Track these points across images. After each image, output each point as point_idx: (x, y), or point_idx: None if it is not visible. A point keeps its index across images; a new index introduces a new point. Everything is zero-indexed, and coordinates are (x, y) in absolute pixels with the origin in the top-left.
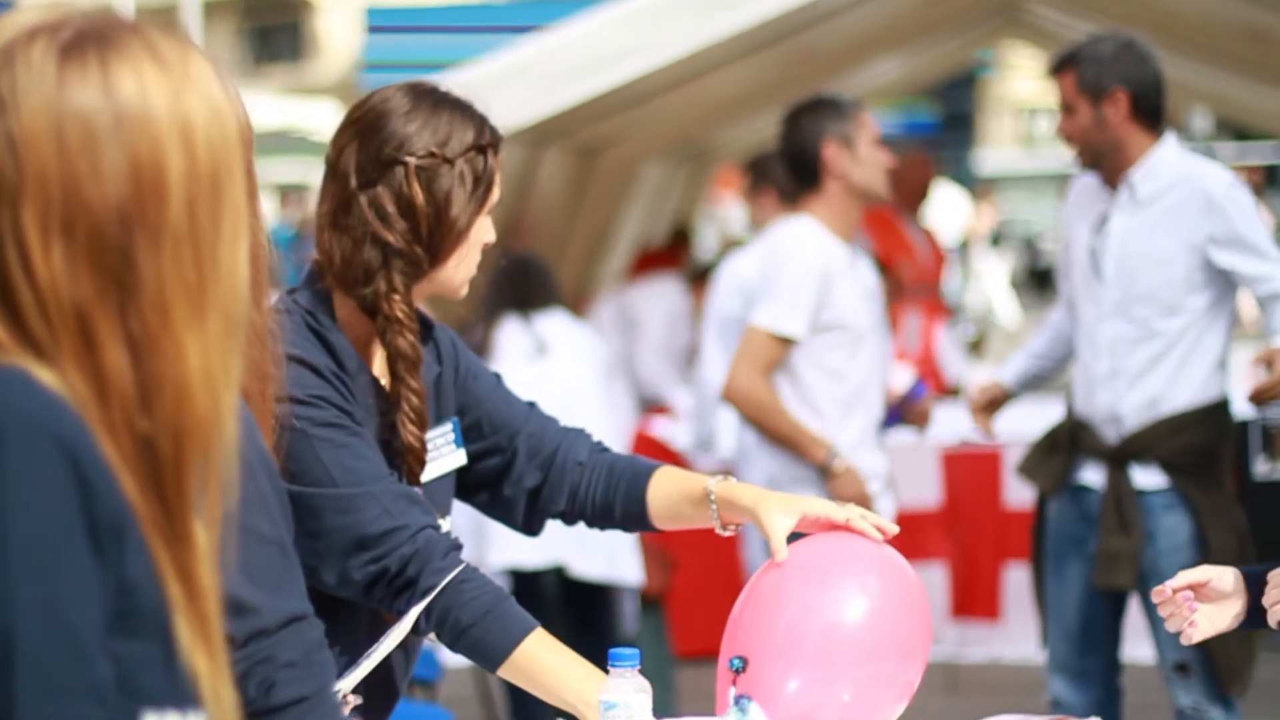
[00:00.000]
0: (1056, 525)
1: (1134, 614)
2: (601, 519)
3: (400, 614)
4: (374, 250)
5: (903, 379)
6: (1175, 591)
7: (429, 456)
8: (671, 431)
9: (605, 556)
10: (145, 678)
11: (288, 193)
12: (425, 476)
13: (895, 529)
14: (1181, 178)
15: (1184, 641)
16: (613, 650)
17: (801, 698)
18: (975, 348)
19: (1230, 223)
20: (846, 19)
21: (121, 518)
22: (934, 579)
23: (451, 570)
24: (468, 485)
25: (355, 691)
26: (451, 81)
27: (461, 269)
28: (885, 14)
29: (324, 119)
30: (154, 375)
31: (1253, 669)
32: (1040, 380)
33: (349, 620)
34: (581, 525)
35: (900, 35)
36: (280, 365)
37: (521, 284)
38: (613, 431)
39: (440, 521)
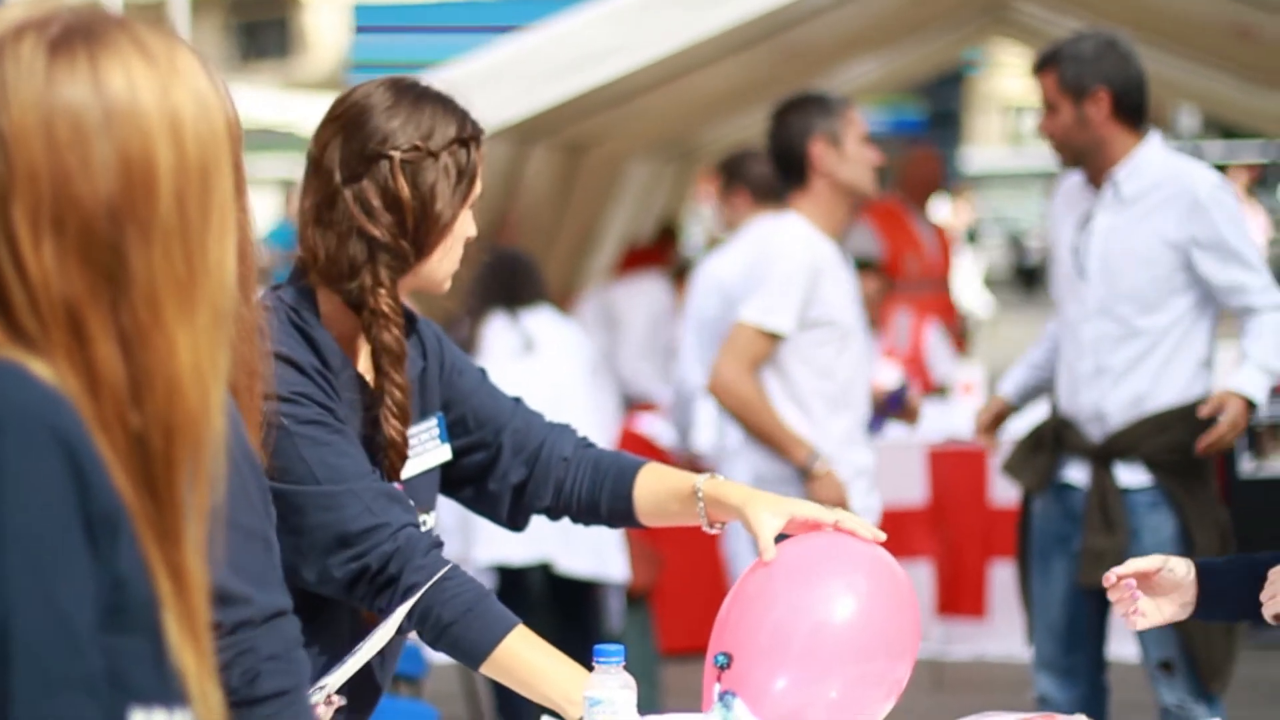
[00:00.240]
0: (1041, 523)
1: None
2: (587, 515)
3: (381, 613)
4: (359, 245)
5: (889, 377)
6: (1120, 579)
7: (413, 452)
8: (657, 428)
9: (591, 553)
10: (134, 674)
11: (293, 189)
12: (409, 472)
13: (883, 536)
14: (1166, 177)
15: (1129, 628)
16: (598, 646)
17: (788, 696)
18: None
19: (1214, 226)
20: (833, 17)
21: (115, 512)
22: (920, 577)
23: (433, 568)
24: (452, 480)
25: (339, 692)
26: (435, 78)
27: (445, 263)
28: (872, 12)
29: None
30: (145, 370)
31: (1233, 666)
32: (1040, 391)
33: (331, 620)
34: (567, 521)
35: (887, 33)
36: (268, 361)
37: (508, 281)
38: (599, 428)
39: (425, 518)
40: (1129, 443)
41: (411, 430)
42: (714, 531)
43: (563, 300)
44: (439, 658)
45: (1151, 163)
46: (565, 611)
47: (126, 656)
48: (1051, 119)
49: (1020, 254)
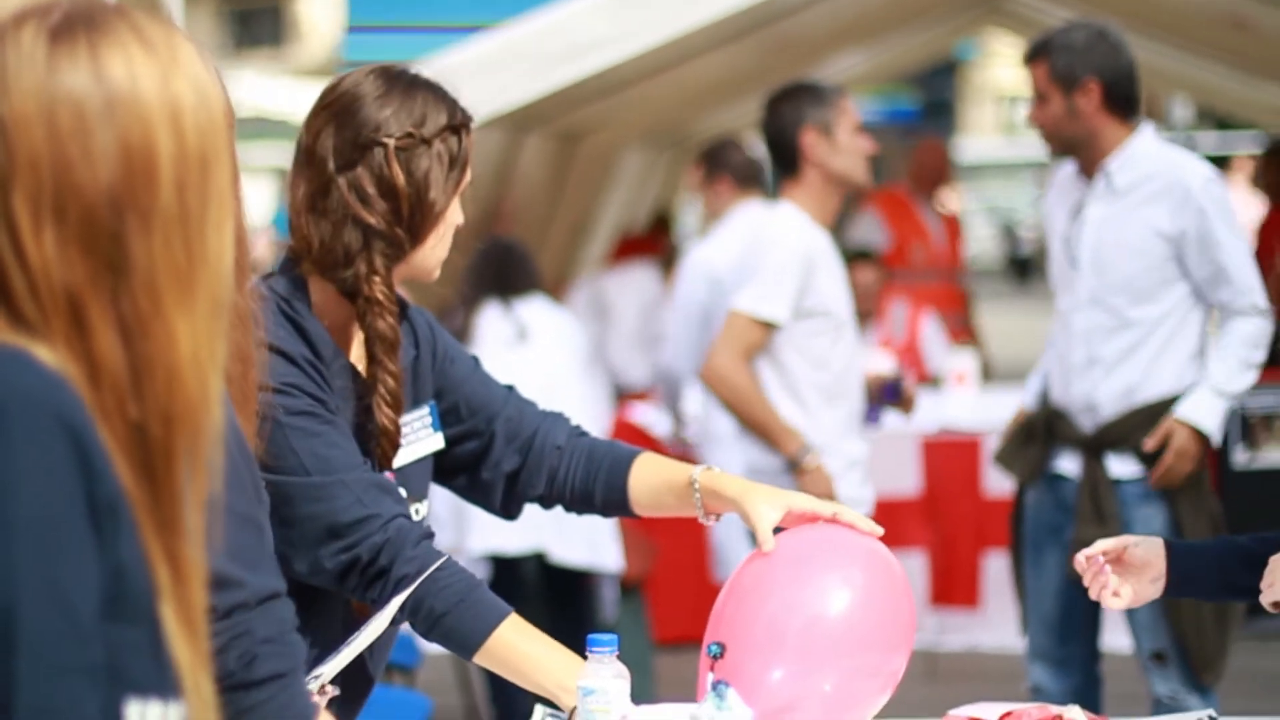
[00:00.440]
0: (1034, 514)
1: None
2: (581, 504)
3: (373, 604)
4: (355, 232)
5: (884, 365)
6: (1088, 559)
7: (405, 440)
8: (650, 417)
9: (585, 543)
10: (132, 664)
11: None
12: (402, 460)
13: (880, 530)
14: (1160, 169)
15: (1106, 608)
16: (591, 636)
17: (783, 689)
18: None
19: (1205, 219)
20: (827, 6)
21: (117, 500)
22: (913, 567)
23: (424, 559)
24: (445, 469)
25: (333, 682)
26: (426, 66)
27: (437, 250)
28: (865, 1)
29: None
30: (145, 359)
31: (1226, 658)
32: None
33: (323, 611)
34: (560, 511)
35: (881, 23)
36: (262, 350)
37: (502, 270)
38: (592, 418)
39: (417, 506)
40: (1120, 434)
41: (404, 419)
42: (709, 523)
43: (556, 289)
44: (432, 648)
45: (1145, 154)
46: (559, 601)
47: (124, 647)
48: (1042, 109)
49: (1013, 244)
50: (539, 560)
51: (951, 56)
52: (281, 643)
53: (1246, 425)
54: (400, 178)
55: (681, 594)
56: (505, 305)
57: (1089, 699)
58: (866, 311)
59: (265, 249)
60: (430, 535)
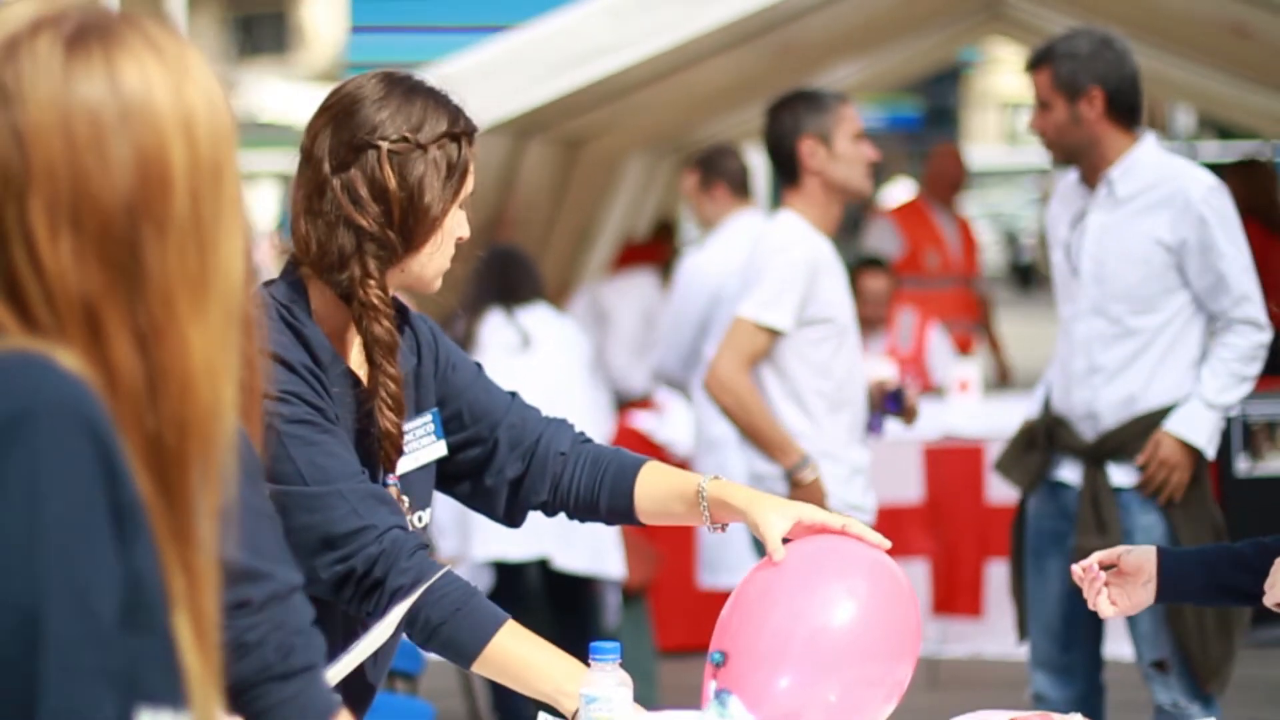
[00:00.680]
0: (1036, 522)
1: None
2: (584, 511)
3: (368, 616)
4: (348, 235)
5: (886, 372)
6: (1085, 570)
7: (409, 448)
8: (653, 424)
9: (589, 549)
10: (144, 672)
11: None
12: (404, 468)
13: (888, 543)
14: (1162, 178)
15: (1102, 616)
16: (594, 643)
17: (787, 699)
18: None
19: (1206, 228)
20: (830, 13)
21: (136, 506)
22: (916, 575)
23: (418, 570)
24: (449, 476)
25: (335, 689)
26: (430, 73)
27: (435, 260)
28: (868, 8)
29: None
30: (159, 368)
31: (1232, 667)
32: None
33: (324, 619)
34: (563, 518)
35: (884, 30)
36: (263, 356)
37: (505, 277)
38: (595, 425)
39: (420, 514)
40: (1121, 442)
41: (406, 426)
42: (715, 532)
43: (559, 297)
44: (435, 655)
45: (1147, 163)
46: (562, 608)
47: (138, 655)
48: (1044, 117)
49: (1015, 251)
50: (542, 567)
51: (954, 64)
52: (309, 634)
53: (1248, 433)
54: (392, 181)
55: (684, 601)
56: (508, 313)
57: (1091, 707)
58: (876, 318)
59: (268, 254)
60: (425, 546)
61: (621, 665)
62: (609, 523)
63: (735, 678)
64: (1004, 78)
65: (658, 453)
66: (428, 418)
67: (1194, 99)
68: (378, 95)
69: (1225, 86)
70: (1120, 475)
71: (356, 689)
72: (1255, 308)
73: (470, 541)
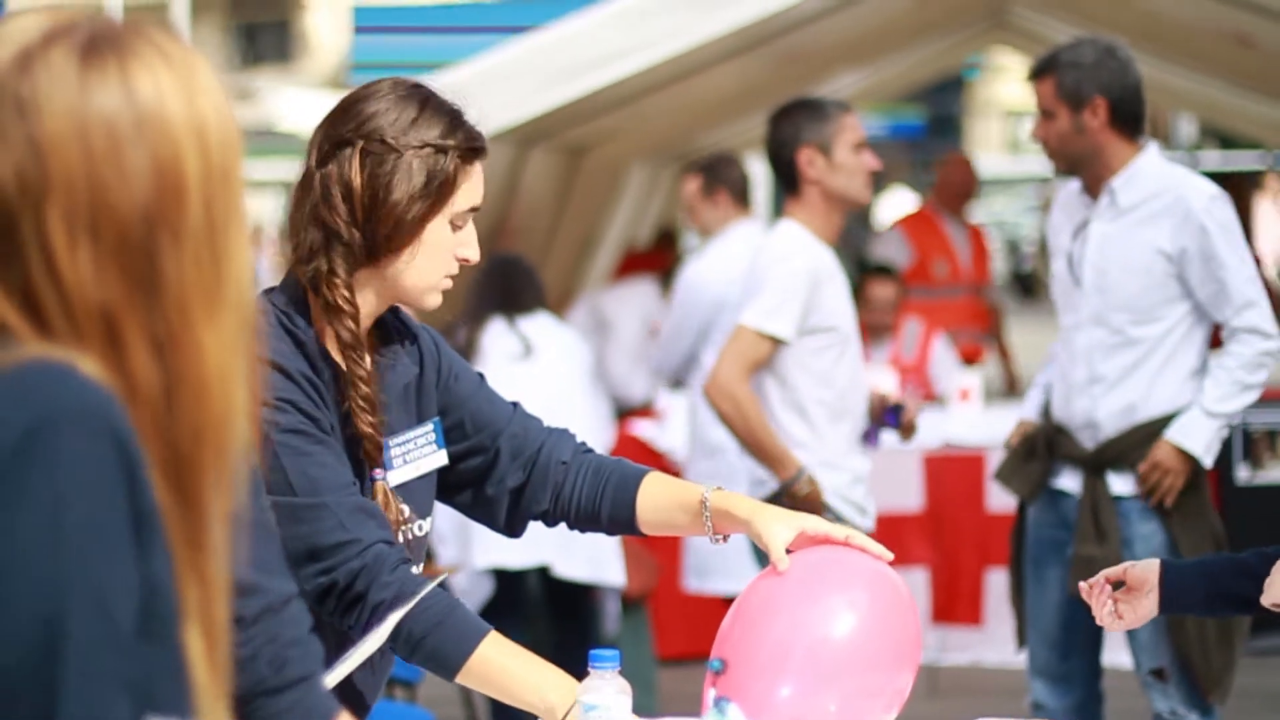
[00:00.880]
0: (1036, 530)
1: None
2: (586, 521)
3: (350, 629)
4: (316, 230)
5: (888, 383)
6: (1091, 585)
7: (409, 457)
8: (653, 432)
9: (589, 557)
10: (156, 683)
11: None
12: (405, 477)
13: (890, 555)
14: (1163, 187)
15: (1108, 630)
16: (593, 651)
17: (788, 708)
18: None
19: (1207, 238)
20: (834, 21)
21: (155, 514)
22: (916, 584)
23: (399, 584)
24: (450, 485)
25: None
26: (440, 82)
27: (414, 271)
28: (871, 17)
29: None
30: (175, 375)
31: (1234, 676)
32: None
33: (319, 629)
34: (564, 526)
35: (887, 38)
36: (265, 361)
37: (506, 285)
38: (596, 434)
39: (421, 523)
40: (1121, 451)
41: (407, 435)
42: (718, 543)
43: (561, 305)
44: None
45: (1148, 173)
46: (562, 616)
47: (151, 664)
48: (1047, 126)
49: (1018, 259)
50: (543, 575)
51: (958, 72)
52: (305, 644)
53: (1249, 442)
54: (358, 179)
55: (684, 610)
56: (510, 322)
57: (1090, 715)
58: (882, 326)
59: (270, 261)
60: (408, 561)
61: (621, 673)
62: (610, 533)
63: (736, 687)
64: (1007, 86)
65: (658, 460)
66: (429, 427)
67: (1196, 108)
68: (381, 94)
69: (1227, 96)
70: (1120, 484)
71: (346, 701)
72: (1259, 316)
73: (470, 549)
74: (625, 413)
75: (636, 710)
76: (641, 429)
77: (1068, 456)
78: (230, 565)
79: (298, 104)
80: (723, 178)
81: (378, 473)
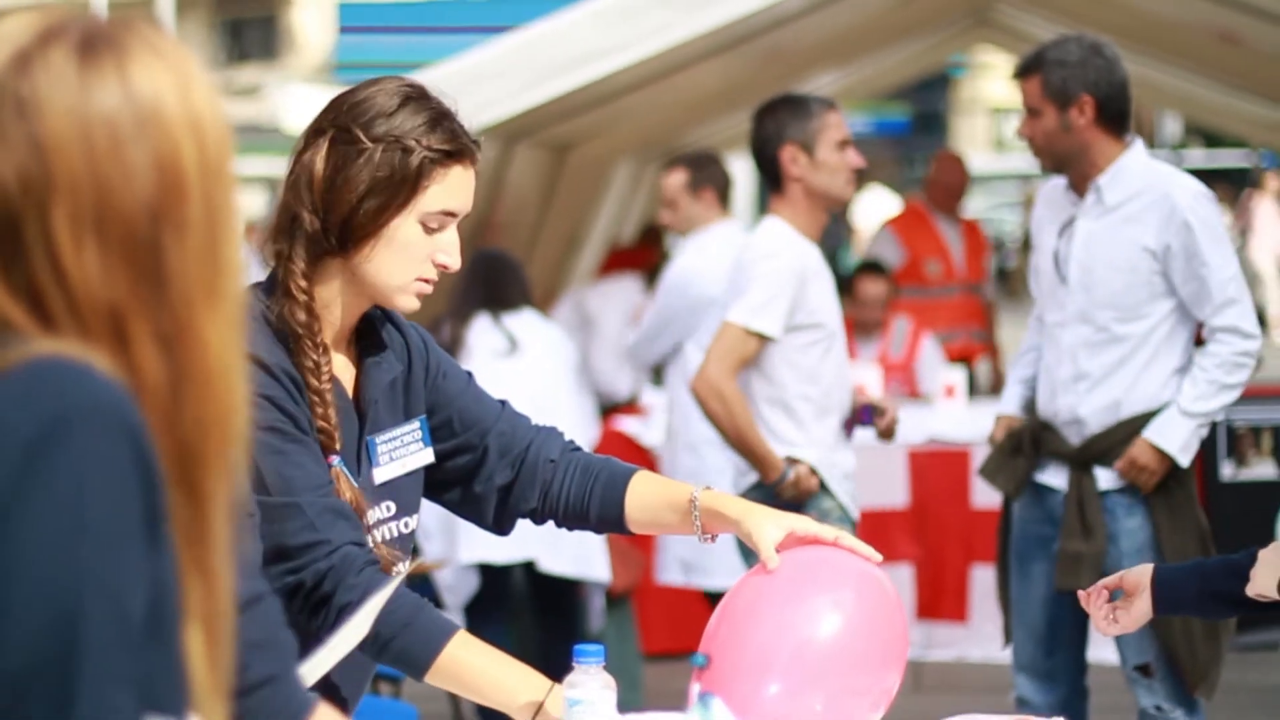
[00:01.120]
0: (1021, 526)
1: None
2: (574, 519)
3: (318, 630)
4: (284, 214)
5: (871, 379)
6: (1091, 592)
7: (395, 455)
8: (638, 428)
9: (574, 553)
10: (156, 681)
11: None
12: (391, 474)
13: (879, 556)
14: (1148, 185)
15: (1104, 634)
16: (578, 646)
17: (774, 707)
18: None
19: (1190, 234)
20: (818, 19)
21: (166, 511)
22: (901, 580)
23: (366, 586)
24: (438, 483)
25: (315, 687)
26: (429, 78)
27: (377, 268)
28: (856, 15)
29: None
30: (181, 369)
31: (1220, 671)
32: None
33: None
34: (552, 524)
35: (872, 36)
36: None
37: (492, 282)
38: (581, 430)
39: (408, 520)
40: (1106, 447)
41: (393, 433)
42: (707, 542)
43: (545, 302)
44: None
45: (1134, 170)
46: (547, 611)
47: (153, 662)
48: (1033, 124)
49: (1001, 256)
50: (528, 570)
51: (942, 70)
52: (271, 645)
53: (1233, 438)
54: (320, 167)
55: (669, 606)
56: (495, 318)
57: (1075, 711)
58: (871, 323)
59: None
60: (375, 563)
61: (606, 668)
62: (598, 531)
63: (723, 685)
64: (992, 84)
65: (643, 456)
66: (415, 425)
67: (1181, 106)
68: (369, 89)
69: (1212, 93)
70: (1106, 479)
71: (328, 698)
72: (1239, 315)
73: (456, 544)
74: (610, 409)
75: (621, 706)
76: (626, 425)
77: (1053, 453)
78: (232, 559)
79: (283, 100)
80: (709, 175)
81: (333, 459)
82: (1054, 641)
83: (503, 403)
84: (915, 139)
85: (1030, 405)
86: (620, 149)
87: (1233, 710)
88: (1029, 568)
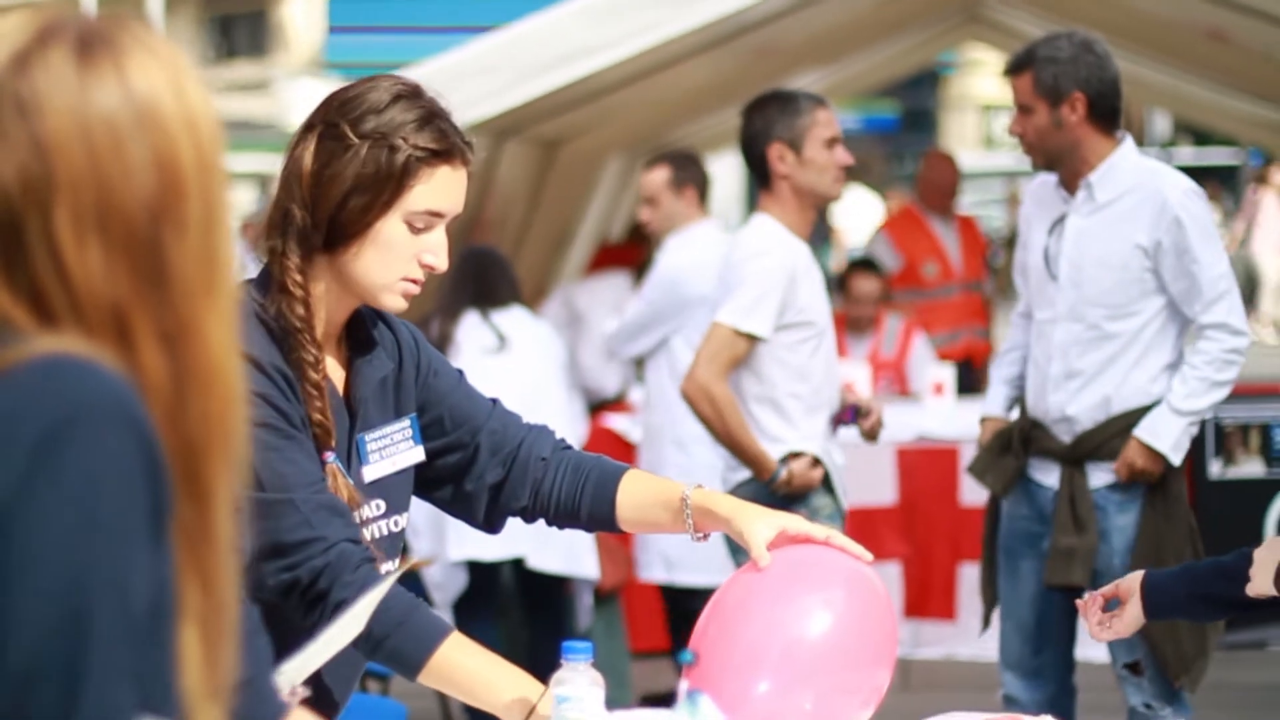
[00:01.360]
0: (1010, 523)
1: None
2: (565, 517)
3: (313, 627)
4: (277, 211)
5: (860, 378)
6: (1089, 599)
7: (385, 453)
8: (626, 425)
9: (563, 550)
10: (152, 679)
11: None
12: (382, 473)
13: (870, 556)
14: (1139, 181)
15: (1098, 640)
16: (566, 643)
17: (763, 706)
18: None
19: (1181, 231)
20: (807, 16)
21: (170, 509)
22: (889, 578)
23: (362, 583)
24: (429, 481)
25: (306, 683)
26: (410, 74)
27: (363, 267)
28: (845, 12)
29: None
30: (184, 366)
31: (1204, 665)
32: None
33: (281, 626)
34: (543, 522)
35: (861, 33)
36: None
37: (481, 279)
38: (570, 427)
39: (398, 518)
40: (1097, 443)
41: (384, 431)
42: (699, 540)
43: (535, 299)
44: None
45: (1125, 167)
46: (536, 607)
47: (150, 660)
48: (1024, 120)
49: (991, 254)
50: (517, 567)
51: (932, 67)
52: (244, 649)
53: (1221, 437)
54: (307, 163)
55: (658, 603)
56: (484, 315)
57: (1063, 709)
58: (864, 320)
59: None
60: (371, 560)
61: (594, 665)
62: (590, 529)
63: (712, 683)
64: (982, 81)
65: (632, 453)
66: (406, 423)
67: (1170, 104)
68: (363, 87)
69: (1201, 91)
70: (1097, 475)
71: (317, 696)
72: (1228, 312)
73: (445, 541)
74: (598, 406)
75: (609, 703)
76: (614, 422)
77: (1044, 451)
78: (233, 559)
79: (273, 97)
80: (691, 174)
81: (328, 455)
82: (1042, 639)
83: (494, 401)
84: (905, 136)
85: (1015, 405)
86: (609, 146)
87: (1221, 708)
88: (1017, 565)
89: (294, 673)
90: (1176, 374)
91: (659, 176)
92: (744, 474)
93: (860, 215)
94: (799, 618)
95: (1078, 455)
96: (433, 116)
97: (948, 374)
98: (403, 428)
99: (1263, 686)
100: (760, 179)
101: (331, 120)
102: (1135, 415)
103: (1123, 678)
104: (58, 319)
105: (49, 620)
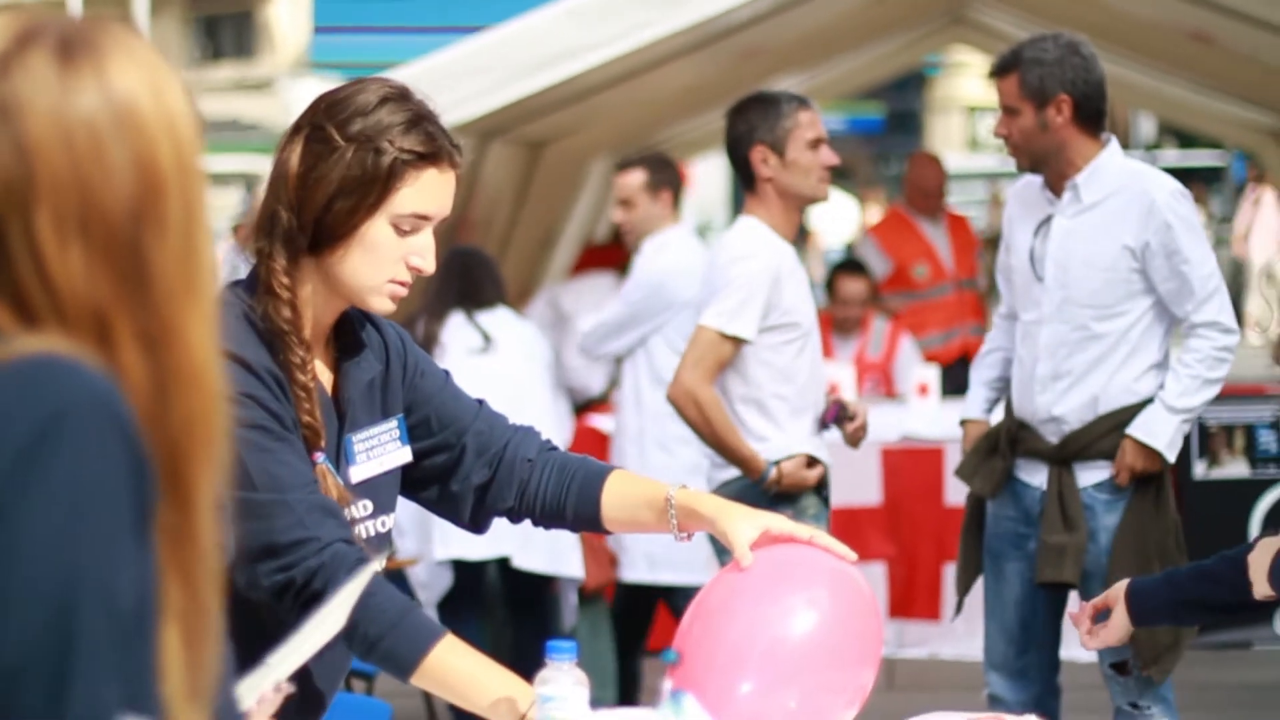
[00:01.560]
0: (995, 524)
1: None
2: (551, 518)
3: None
4: (265, 213)
5: (844, 379)
6: (1080, 609)
7: (372, 454)
8: (611, 425)
9: (548, 549)
10: (135, 679)
11: None
12: (368, 473)
13: (854, 555)
14: (1125, 183)
15: (1087, 648)
16: (550, 642)
17: (747, 705)
18: None
19: (1168, 232)
20: (793, 18)
21: (154, 510)
22: (874, 578)
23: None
24: (415, 481)
25: (291, 680)
26: (396, 75)
27: (350, 269)
28: (830, 14)
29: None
30: (166, 367)
31: (1176, 657)
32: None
33: (266, 626)
34: (529, 523)
35: (846, 35)
36: (227, 354)
37: (466, 279)
38: (556, 428)
39: (385, 518)
40: (1085, 443)
41: (371, 431)
42: (683, 540)
43: (520, 299)
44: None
45: (1111, 169)
46: (521, 607)
47: (133, 660)
48: (1010, 122)
49: (978, 253)
50: (502, 566)
51: (917, 69)
52: None
53: (1205, 437)
54: (294, 164)
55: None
56: (469, 316)
57: (1048, 709)
58: (850, 321)
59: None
60: (365, 560)
61: (579, 665)
62: (574, 529)
63: (697, 683)
64: (967, 82)
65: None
66: (393, 423)
67: (1155, 106)
68: (352, 89)
69: (1186, 94)
70: (1084, 474)
71: (303, 696)
72: (1218, 310)
73: (430, 541)
74: (583, 406)
75: (594, 702)
76: (599, 422)
77: (1031, 452)
78: (216, 560)
79: (259, 98)
80: (667, 178)
81: (318, 456)
82: (1027, 640)
83: (480, 402)
84: (890, 138)
85: (994, 407)
86: (595, 147)
87: (1206, 708)
88: (1002, 566)
89: (277, 669)
90: (1167, 372)
91: (634, 179)
92: (730, 472)
93: (836, 219)
94: (783, 617)
95: (1065, 455)
96: (420, 119)
97: (933, 374)
98: (390, 429)
99: (1247, 686)
100: (745, 181)
101: (319, 122)
102: (1122, 414)
103: (1109, 677)
104: (39, 320)
105: (36, 618)
